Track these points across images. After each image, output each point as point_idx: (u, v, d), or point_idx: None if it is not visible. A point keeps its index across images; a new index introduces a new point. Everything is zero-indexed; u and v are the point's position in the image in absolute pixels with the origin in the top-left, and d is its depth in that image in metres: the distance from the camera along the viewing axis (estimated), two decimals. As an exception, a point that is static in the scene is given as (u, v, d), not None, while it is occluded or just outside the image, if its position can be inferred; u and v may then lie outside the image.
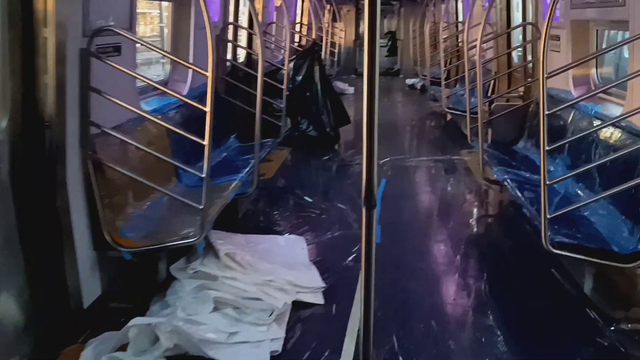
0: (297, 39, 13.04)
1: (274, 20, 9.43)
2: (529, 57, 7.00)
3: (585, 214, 4.18)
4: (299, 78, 8.86)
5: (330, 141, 8.87)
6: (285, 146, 8.75)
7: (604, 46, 5.26)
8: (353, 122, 11.25)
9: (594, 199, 3.58)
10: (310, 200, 6.18)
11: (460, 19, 13.07)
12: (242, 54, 8.39)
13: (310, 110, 8.83)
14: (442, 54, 10.00)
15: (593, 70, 5.36)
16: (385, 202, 5.84)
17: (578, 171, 3.60)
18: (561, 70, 3.42)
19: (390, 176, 7.32)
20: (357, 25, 21.32)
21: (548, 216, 3.42)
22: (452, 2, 13.43)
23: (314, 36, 12.00)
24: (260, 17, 8.37)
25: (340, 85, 15.74)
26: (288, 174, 7.41)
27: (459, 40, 12.66)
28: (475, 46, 8.48)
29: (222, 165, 5.77)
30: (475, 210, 6.10)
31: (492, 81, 7.96)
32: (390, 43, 26.43)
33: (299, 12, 13.38)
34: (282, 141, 8.89)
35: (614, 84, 3.49)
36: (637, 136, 3.88)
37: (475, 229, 5.59)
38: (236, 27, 7.65)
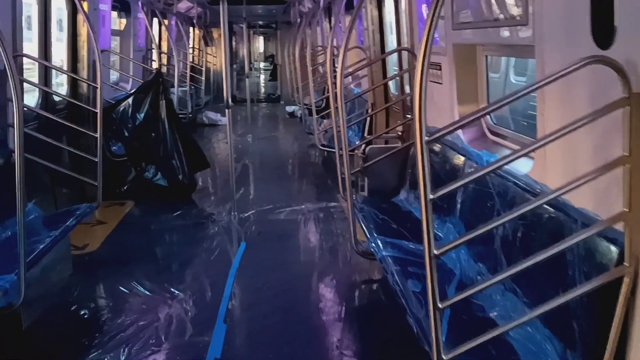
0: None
1: (109, 47, 7.81)
2: (407, 89, 5.91)
3: (492, 315, 3.00)
4: (141, 116, 7.29)
5: (184, 190, 7.34)
6: (129, 199, 7.14)
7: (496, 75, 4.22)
8: (220, 163, 9.85)
9: (518, 322, 2.33)
10: (143, 290, 4.58)
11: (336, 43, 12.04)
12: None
13: (157, 155, 7.27)
14: (311, 83, 8.81)
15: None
16: (242, 279, 4.33)
17: (502, 277, 2.32)
18: (454, 127, 2.18)
19: (251, 235, 5.92)
20: (232, 49, 19.93)
21: (444, 357, 2.16)
22: (326, 24, 12.40)
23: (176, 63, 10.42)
24: (84, 44, 6.74)
25: (212, 115, 14.24)
26: (121, 242, 5.79)
27: (336, 66, 11.64)
28: (349, 74, 7.39)
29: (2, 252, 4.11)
30: (353, 287, 4.80)
31: (369, 118, 6.83)
32: (272, 66, 25.52)
33: (157, 36, 11.77)
34: (125, 193, 7.31)
35: (536, 145, 2.31)
36: (561, 210, 2.72)
37: (354, 321, 4.26)
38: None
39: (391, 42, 7.16)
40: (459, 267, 3.59)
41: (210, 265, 5.16)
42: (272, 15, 18.30)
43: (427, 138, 2.07)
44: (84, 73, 6.83)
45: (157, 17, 10.72)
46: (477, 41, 4.15)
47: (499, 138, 4.11)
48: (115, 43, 9.11)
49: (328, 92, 11.58)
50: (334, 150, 7.92)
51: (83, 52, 6.76)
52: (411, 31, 5.25)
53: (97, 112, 5.41)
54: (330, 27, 12.35)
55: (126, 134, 7.24)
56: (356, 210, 4.81)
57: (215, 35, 18.40)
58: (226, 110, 6.24)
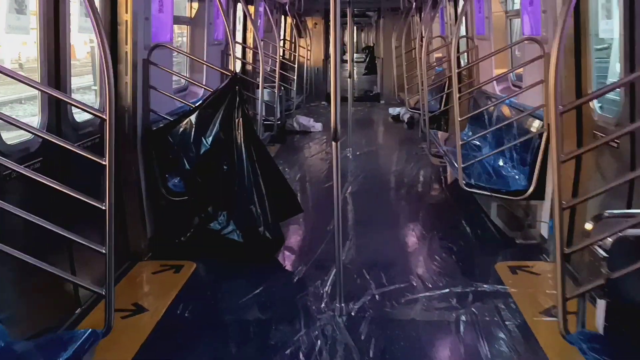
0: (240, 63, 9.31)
1: (170, 40, 5.65)
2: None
3: None
4: (209, 140, 5.10)
5: (266, 249, 5.07)
6: (188, 258, 4.99)
7: None
8: (314, 191, 7.59)
9: None
10: None
11: (463, 33, 9.40)
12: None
13: (230, 196, 5.06)
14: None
15: None
16: None
17: None
18: None
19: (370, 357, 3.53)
20: (328, 41, 17.59)
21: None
22: (448, 9, 9.78)
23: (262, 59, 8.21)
24: (128, 36, 4.60)
25: (303, 120, 12.01)
26: (164, 356, 3.59)
27: (462, 62, 9.05)
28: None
29: None
30: None
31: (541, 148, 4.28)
32: (368, 59, 23.14)
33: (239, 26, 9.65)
34: (184, 248, 5.16)
35: None
36: None
37: None
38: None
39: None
40: None
41: None
42: (377, 1, 15.85)
43: None
44: (127, 78, 4.71)
45: (239, 2, 8.55)
46: None
47: None
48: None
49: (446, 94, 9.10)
50: (487, 193, 5.44)
51: (126, 48, 4.64)
52: None
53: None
54: (456, 13, 9.71)
55: (187, 165, 5.07)
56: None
57: (309, 24, 16.18)
58: (333, 143, 3.87)
